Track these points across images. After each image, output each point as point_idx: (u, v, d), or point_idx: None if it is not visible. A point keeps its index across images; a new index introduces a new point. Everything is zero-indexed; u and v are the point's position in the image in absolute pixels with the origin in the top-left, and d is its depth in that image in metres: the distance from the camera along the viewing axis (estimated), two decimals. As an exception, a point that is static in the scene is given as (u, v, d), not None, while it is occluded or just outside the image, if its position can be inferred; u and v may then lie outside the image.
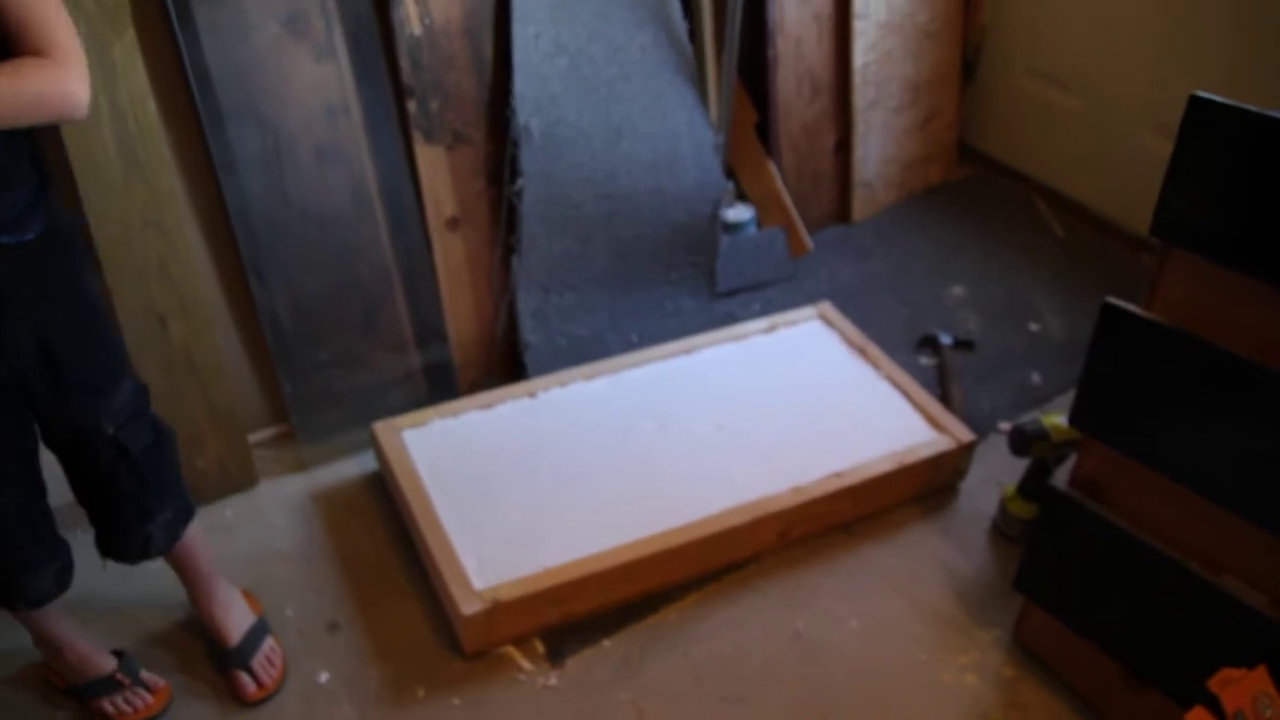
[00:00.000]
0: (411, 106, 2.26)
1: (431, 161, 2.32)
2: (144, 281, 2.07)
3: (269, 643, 1.98)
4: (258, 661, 1.95)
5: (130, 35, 2.09)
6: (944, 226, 3.16)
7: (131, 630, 2.06)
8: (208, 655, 2.01)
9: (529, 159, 2.36)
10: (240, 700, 1.93)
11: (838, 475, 2.20)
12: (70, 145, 1.98)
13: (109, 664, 1.90)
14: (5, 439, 1.58)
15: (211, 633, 1.98)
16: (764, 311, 2.76)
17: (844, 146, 3.05)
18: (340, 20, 2.19)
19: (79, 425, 1.61)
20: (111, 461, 1.66)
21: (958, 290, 2.92)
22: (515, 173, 2.37)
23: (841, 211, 3.14)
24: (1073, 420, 1.74)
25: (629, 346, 2.57)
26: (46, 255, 1.50)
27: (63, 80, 1.34)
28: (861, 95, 2.99)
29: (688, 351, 2.53)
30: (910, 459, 2.25)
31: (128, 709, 1.89)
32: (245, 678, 1.93)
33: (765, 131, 2.90)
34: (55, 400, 1.57)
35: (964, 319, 2.82)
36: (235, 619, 1.97)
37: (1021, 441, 2.14)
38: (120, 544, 1.78)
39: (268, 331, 2.27)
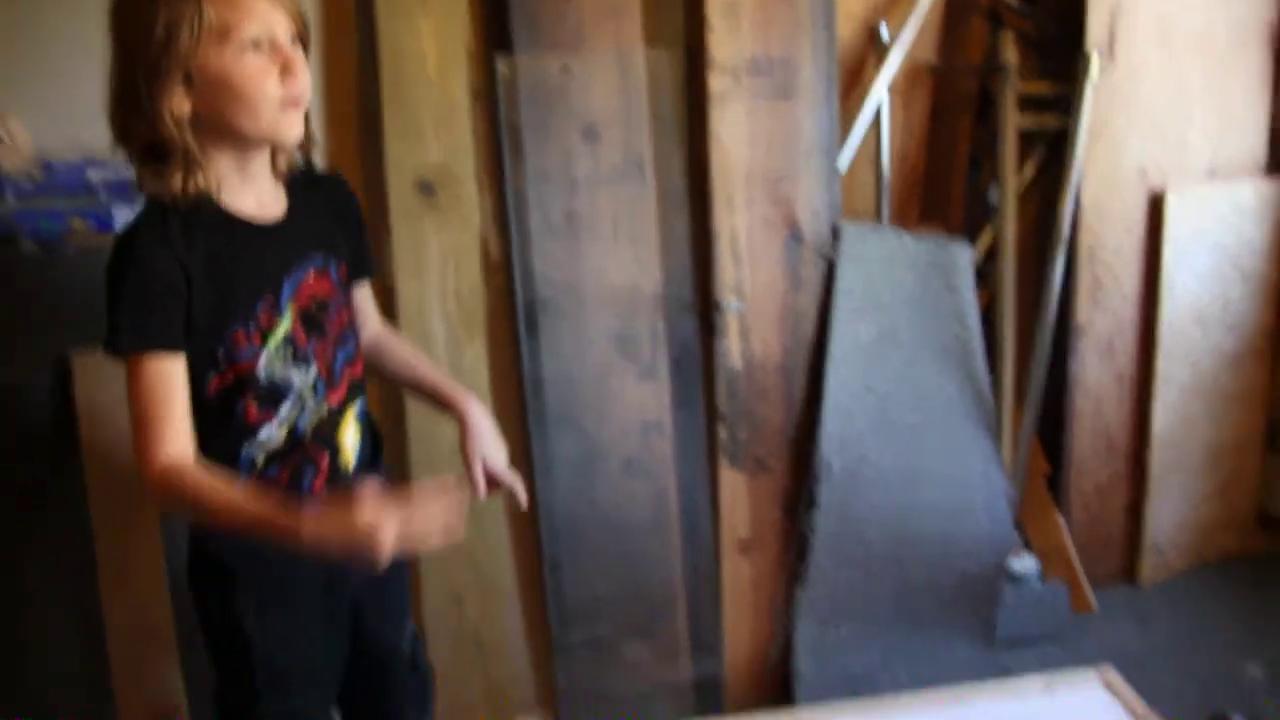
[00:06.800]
0: (722, 432, 2.38)
1: (733, 486, 2.41)
2: (450, 562, 2.22)
3: None
4: None
5: (481, 342, 2.32)
6: (1241, 599, 2.97)
7: None
8: None
9: (827, 494, 2.42)
10: None
11: None
12: (410, 431, 2.19)
13: None
14: (339, 658, 1.65)
15: None
16: (1041, 668, 2.61)
17: (1136, 507, 2.98)
18: (667, 345, 2.36)
19: (388, 643, 1.71)
20: (405, 677, 1.75)
21: (1255, 670, 2.72)
22: (811, 505, 2.43)
23: (1129, 573, 3.02)
24: None
25: (898, 688, 2.51)
26: None
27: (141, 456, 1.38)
28: (1159, 458, 2.93)
29: (961, 701, 2.44)
30: None
31: None
32: None
33: (1055, 485, 2.88)
34: (373, 618, 1.67)
35: (1262, 703, 2.61)
36: None
37: None
38: None
39: (554, 624, 2.36)
